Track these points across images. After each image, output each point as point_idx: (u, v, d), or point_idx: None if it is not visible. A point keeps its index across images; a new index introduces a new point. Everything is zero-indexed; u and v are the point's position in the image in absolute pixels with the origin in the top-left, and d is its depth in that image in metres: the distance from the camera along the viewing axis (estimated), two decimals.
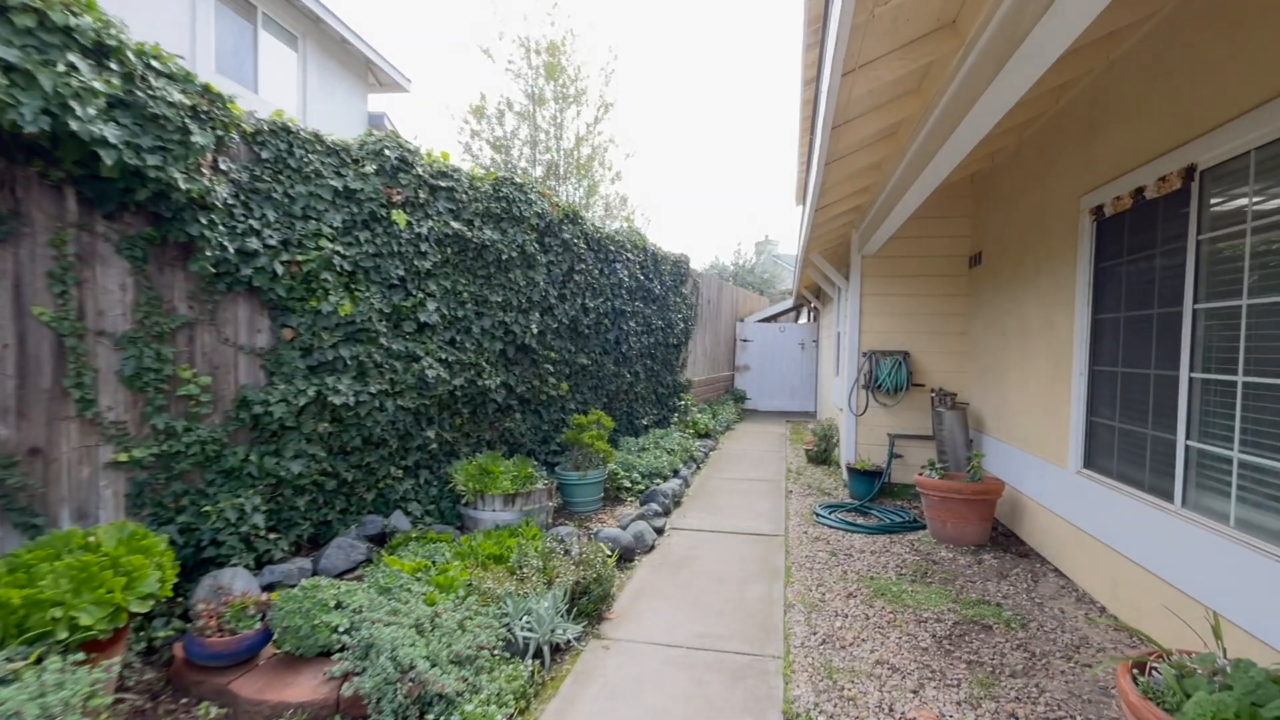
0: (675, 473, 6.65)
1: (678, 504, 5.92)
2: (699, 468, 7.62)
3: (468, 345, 4.90)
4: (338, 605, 2.79)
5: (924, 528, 5.21)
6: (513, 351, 5.45)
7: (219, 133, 3.13)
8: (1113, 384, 3.64)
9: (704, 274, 11.68)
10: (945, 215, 6.30)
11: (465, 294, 4.88)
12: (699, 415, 9.17)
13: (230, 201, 3.29)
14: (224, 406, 3.39)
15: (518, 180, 5.53)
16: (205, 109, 3.03)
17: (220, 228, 3.19)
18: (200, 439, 3.20)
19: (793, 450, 9.04)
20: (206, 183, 3.03)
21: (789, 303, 15.07)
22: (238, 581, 3.02)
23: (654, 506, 5.30)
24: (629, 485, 6.01)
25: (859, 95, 3.29)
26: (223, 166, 3.24)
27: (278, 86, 9.84)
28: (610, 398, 7.49)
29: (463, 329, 4.89)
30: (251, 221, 3.39)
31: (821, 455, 7.84)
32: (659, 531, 5.02)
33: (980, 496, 4.65)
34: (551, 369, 6.00)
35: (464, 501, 4.53)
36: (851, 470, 6.25)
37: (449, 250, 4.71)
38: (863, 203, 5.87)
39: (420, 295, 4.45)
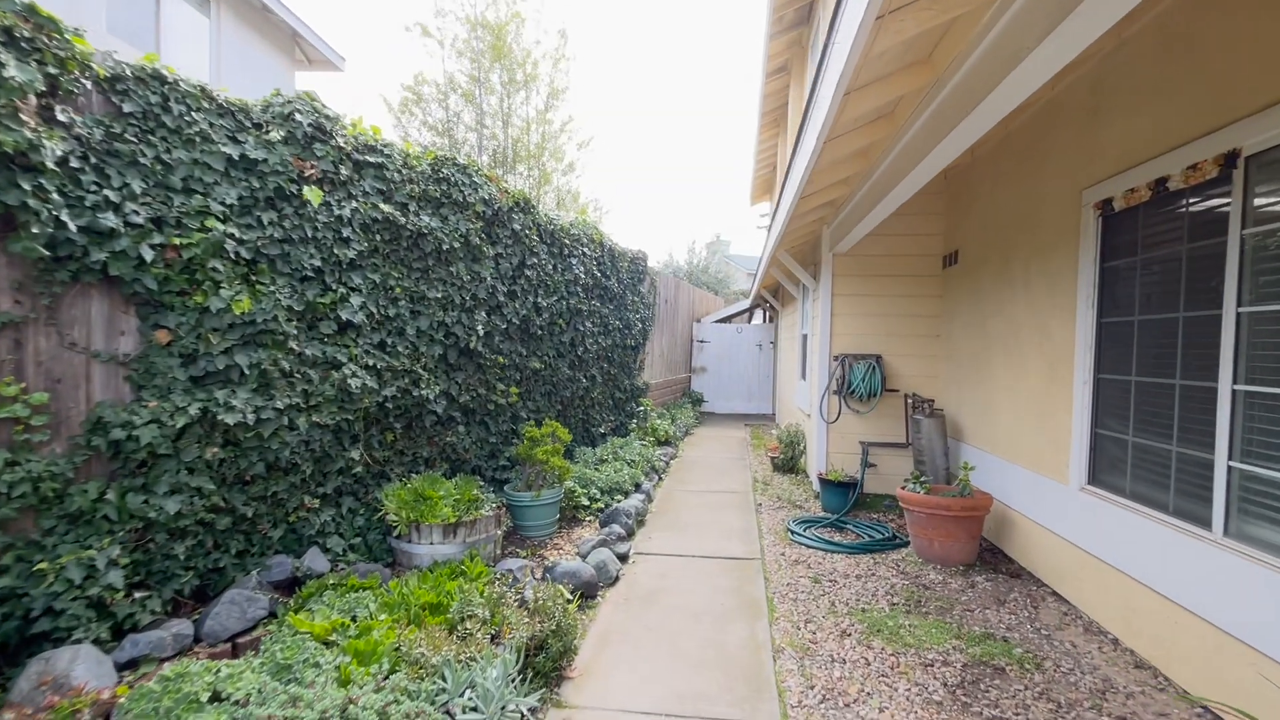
0: (637, 486, 6.12)
1: (641, 523, 5.39)
2: (661, 479, 7.12)
3: (401, 349, 4.21)
4: (214, 698, 2.11)
5: (906, 545, 4.87)
6: (455, 356, 4.78)
7: (52, 70, 2.37)
8: (1124, 394, 3.33)
9: (661, 273, 11.20)
10: (917, 212, 6.01)
11: (398, 289, 4.19)
12: (658, 421, 8.68)
13: (75, 165, 2.52)
14: (69, 431, 2.62)
15: (461, 161, 4.86)
16: (28, 36, 2.27)
17: (56, 197, 2.43)
18: (32, 475, 2.43)
19: (756, 457, 8.66)
20: (29, 135, 2.27)
21: (746, 303, 14.80)
22: (79, 666, 2.28)
23: (616, 529, 4.75)
24: (587, 503, 5.43)
25: (882, 50, 2.82)
26: (61, 117, 2.47)
27: (186, 55, 8.70)
28: (565, 405, 6.89)
29: (395, 330, 4.19)
30: (107, 192, 2.63)
31: (788, 463, 7.48)
32: (623, 558, 4.47)
33: (970, 513, 4.33)
34: (500, 375, 5.35)
35: (396, 533, 3.85)
36: (824, 482, 5.88)
37: (378, 238, 4.02)
38: (838, 196, 5.50)
39: (342, 290, 3.74)
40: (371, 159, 3.98)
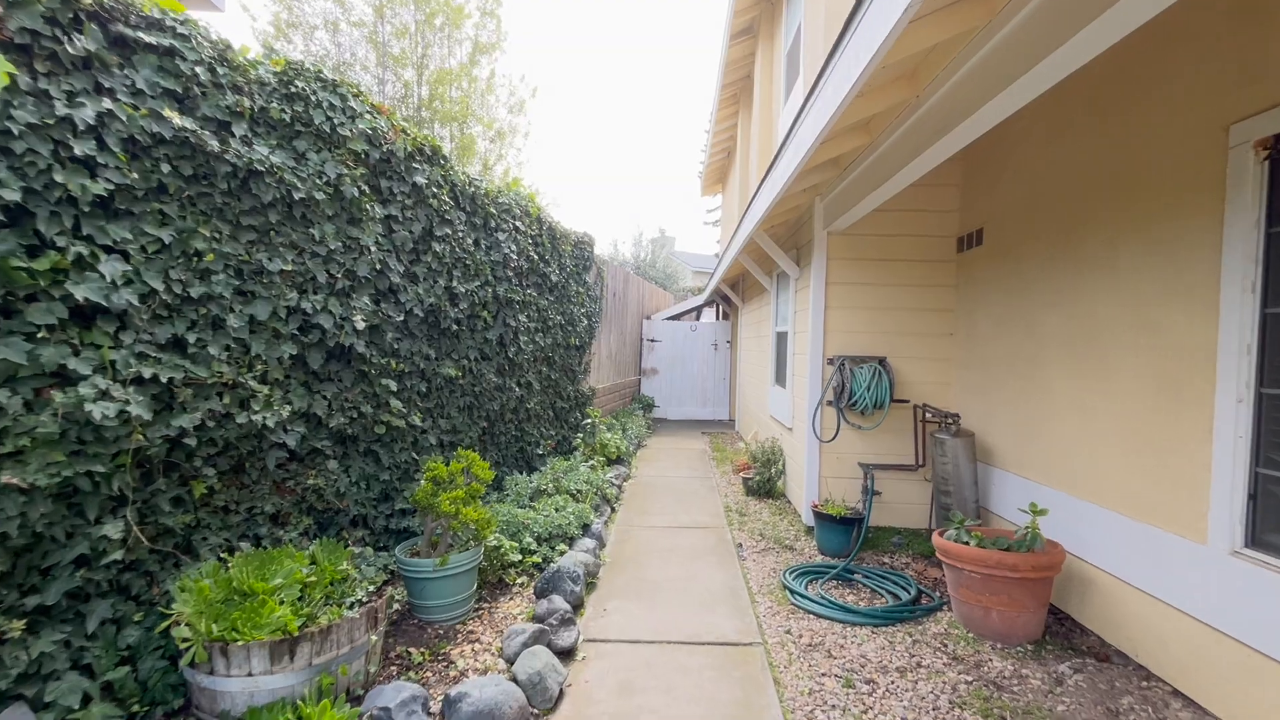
0: (585, 528, 4.72)
1: (592, 585, 4.00)
2: (614, 510, 5.75)
3: (216, 350, 2.65)
4: None
5: (940, 607, 3.71)
6: (320, 359, 3.24)
7: None
8: None
9: (609, 262, 9.83)
10: (925, 184, 4.90)
11: (212, 255, 2.64)
12: (608, 435, 7.30)
13: None
14: None
15: (328, 75, 3.32)
16: None
17: None
18: None
19: (722, 474, 7.43)
20: None
21: (700, 299, 13.65)
22: None
23: (557, 604, 3.35)
24: (519, 559, 3.99)
25: None
26: None
27: None
28: (492, 421, 5.40)
29: (204, 320, 2.64)
30: None
31: (764, 485, 6.27)
32: (567, 655, 3.09)
33: (1042, 574, 3.20)
34: (396, 385, 3.83)
35: (191, 660, 2.30)
36: (820, 517, 4.68)
37: (165, 168, 2.45)
38: (845, 152, 4.30)
39: (80, 249, 2.16)
40: (152, 38, 2.41)
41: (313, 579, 2.70)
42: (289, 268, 3.01)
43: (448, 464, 3.78)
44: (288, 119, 3.03)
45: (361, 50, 9.86)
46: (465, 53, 10.60)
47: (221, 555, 2.74)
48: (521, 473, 5.88)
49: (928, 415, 4.91)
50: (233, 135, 2.75)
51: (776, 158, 4.33)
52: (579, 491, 5.25)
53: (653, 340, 12.61)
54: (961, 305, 4.95)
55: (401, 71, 10.05)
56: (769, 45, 8.25)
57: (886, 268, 5.11)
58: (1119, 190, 3.20)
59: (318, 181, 3.17)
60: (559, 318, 6.87)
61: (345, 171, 3.34)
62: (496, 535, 3.85)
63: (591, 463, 6.54)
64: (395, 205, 3.82)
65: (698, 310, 15.63)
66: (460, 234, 4.58)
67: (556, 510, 4.62)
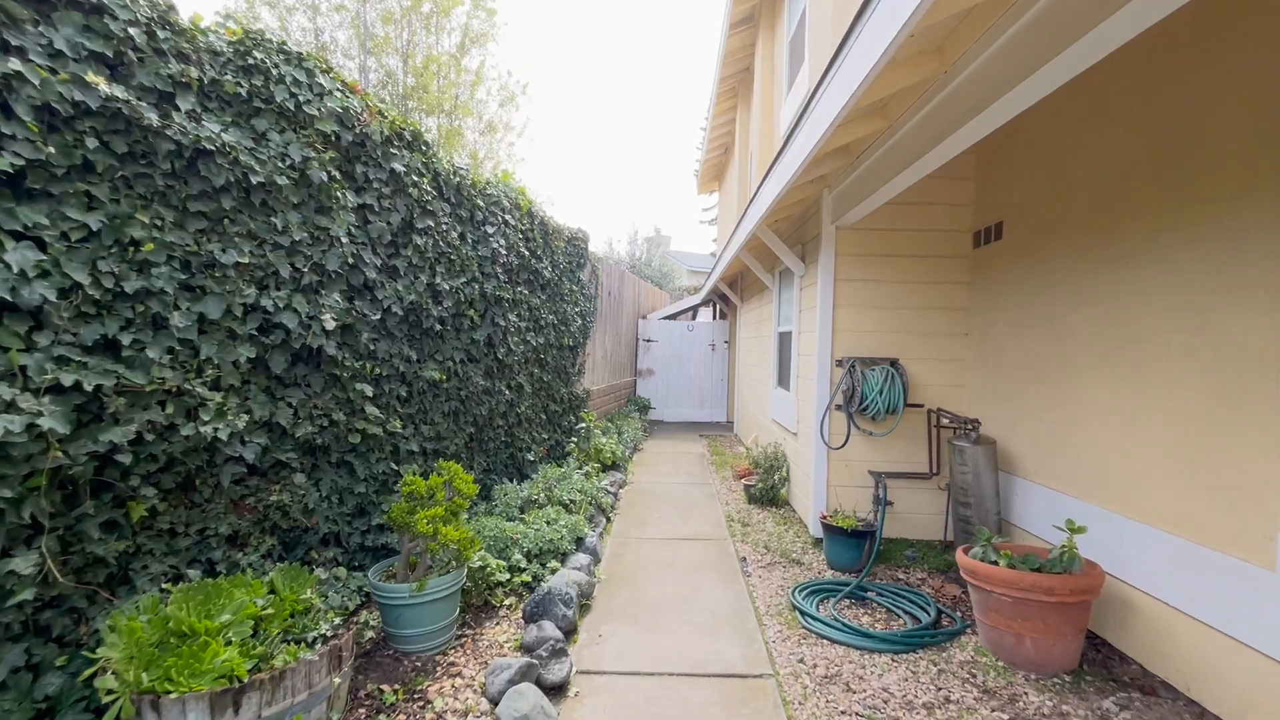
0: (579, 542, 4.40)
1: (586, 606, 3.69)
2: (610, 520, 5.43)
3: (155, 351, 2.33)
4: None
5: (964, 630, 3.43)
6: (283, 362, 2.92)
7: None
8: None
9: (604, 259, 9.52)
10: (937, 175, 4.62)
11: (153, 243, 2.31)
12: (603, 440, 6.99)
13: None
14: None
15: (292, 48, 3.00)
16: None
17: None
18: None
19: (721, 480, 7.13)
20: None
21: (696, 299, 13.35)
22: None
23: (548, 631, 3.04)
24: (507, 578, 3.67)
25: None
26: None
27: None
28: (481, 427, 5.08)
29: (144, 318, 2.31)
30: None
31: (767, 493, 5.98)
32: (558, 691, 2.78)
33: (1080, 598, 2.91)
34: (371, 390, 3.50)
35: (116, 716, 1.97)
36: (830, 529, 4.39)
37: (94, 142, 2.13)
38: (859, 138, 4.01)
39: None
40: None
41: (269, 611, 2.37)
42: (246, 260, 2.69)
43: (429, 476, 3.46)
44: (244, 94, 2.70)
45: (344, 36, 9.48)
46: (454, 42, 10.24)
47: (164, 586, 2.41)
48: (512, 480, 5.57)
49: (943, 420, 4.63)
50: (177, 109, 2.42)
51: (785, 145, 4.03)
52: (572, 502, 4.93)
53: (649, 340, 12.31)
54: (977, 304, 4.66)
55: (385, 59, 9.65)
56: (770, 35, 7.96)
57: (898, 264, 4.82)
58: (1167, 175, 2.92)
59: (280, 165, 2.84)
60: (551, 317, 6.55)
61: (313, 155, 3.02)
62: (482, 554, 3.53)
63: (586, 469, 6.23)
64: (371, 193, 3.49)
65: (694, 310, 15.34)
66: (444, 227, 4.26)
67: (548, 524, 4.30)
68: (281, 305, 2.86)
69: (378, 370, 3.63)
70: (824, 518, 4.53)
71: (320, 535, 3.28)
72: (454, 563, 3.16)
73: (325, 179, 3.07)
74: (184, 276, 2.45)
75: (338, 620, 2.64)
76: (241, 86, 2.69)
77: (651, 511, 5.77)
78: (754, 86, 8.95)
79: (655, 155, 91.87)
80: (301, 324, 2.98)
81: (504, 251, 5.14)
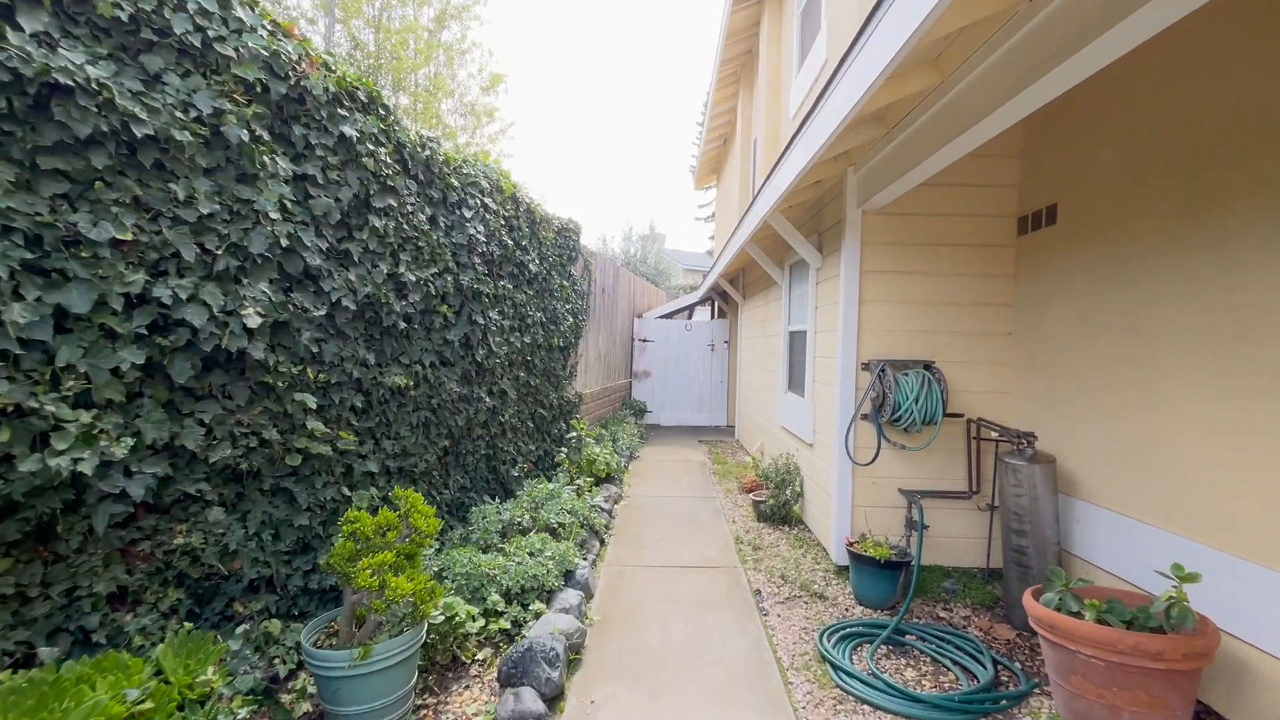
0: (568, 576, 3.79)
1: (576, 662, 3.08)
2: (603, 544, 4.82)
3: None
4: None
5: (1030, 692, 2.84)
6: (189, 368, 2.30)
7: None
8: None
9: (598, 254, 8.91)
10: (976, 153, 4.03)
11: None
12: (596, 449, 6.38)
13: None
14: None
15: None
16: None
17: None
18: None
19: (725, 492, 6.53)
20: None
21: (695, 296, 12.75)
22: None
23: (527, 703, 2.44)
24: (479, 627, 3.05)
25: None
26: None
27: None
28: (456, 438, 4.46)
29: None
30: None
31: (779, 510, 5.38)
32: None
33: (1193, 663, 2.32)
34: (314, 401, 2.88)
35: None
36: (859, 559, 3.79)
37: None
38: (903, 98, 3.42)
39: None
40: None
41: (145, 706, 1.76)
42: (129, 236, 2.06)
43: (392, 501, 2.84)
44: (126, 19, 2.07)
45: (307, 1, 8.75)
46: (432, 15, 9.51)
47: None
48: (494, 498, 4.95)
49: (990, 433, 4.06)
50: (17, 27, 1.79)
51: (810, 115, 3.44)
52: (561, 525, 4.32)
53: (645, 340, 11.70)
54: (1023, 299, 4.09)
55: (358, 32, 8.91)
56: (777, 9, 7.37)
57: (932, 254, 4.23)
58: None
59: (180, 116, 2.22)
60: (539, 314, 5.94)
61: (230, 108, 2.40)
62: (448, 601, 2.91)
63: (577, 484, 5.62)
64: (313, 162, 2.87)
65: (690, 309, 14.75)
66: (410, 208, 3.64)
67: (531, 555, 3.69)
68: (184, 296, 2.23)
69: (325, 377, 3.01)
70: (850, 544, 3.93)
71: (246, 582, 2.65)
72: (410, 621, 2.54)
73: (247, 139, 2.45)
74: (30, 254, 1.83)
75: (244, 714, 2.02)
76: (122, 9, 2.06)
77: (651, 531, 5.16)
78: (758, 68, 8.36)
79: (651, 154, 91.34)
80: (215, 321, 2.35)
81: (483, 239, 4.52)
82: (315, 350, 2.93)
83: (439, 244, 3.97)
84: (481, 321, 4.55)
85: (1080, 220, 3.56)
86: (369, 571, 2.26)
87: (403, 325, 3.62)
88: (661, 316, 12.66)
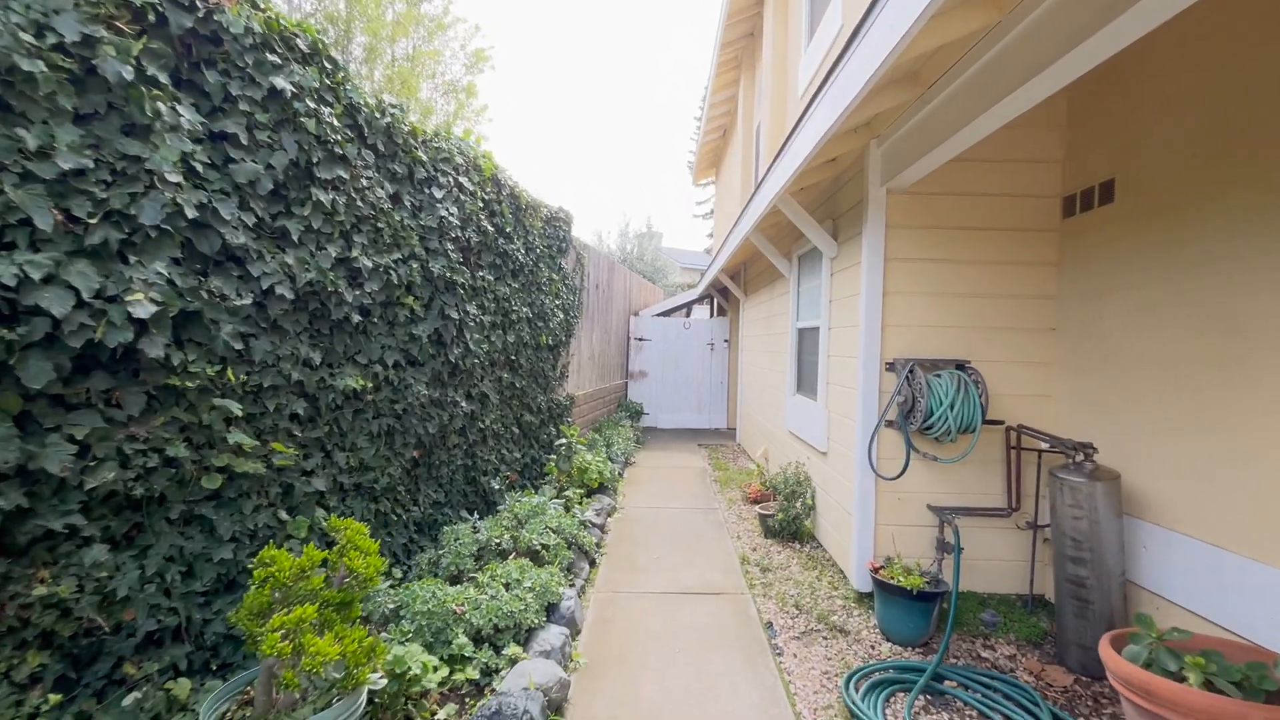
0: (550, 611, 3.27)
1: (559, 714, 2.56)
2: (593, 565, 4.31)
3: None
4: None
5: None
6: (48, 369, 1.79)
7: None
8: None
9: (591, 248, 8.39)
10: (1013, 124, 3.53)
11: None
12: (588, 456, 5.86)
13: None
14: None
15: None
16: None
17: None
18: None
19: (728, 503, 6.03)
20: None
21: (695, 293, 12.24)
22: None
23: None
24: (438, 683, 2.54)
25: None
26: None
27: None
28: (428, 448, 3.95)
29: None
30: None
31: (788, 526, 4.87)
32: None
33: None
34: (239, 408, 2.37)
35: None
36: (886, 588, 3.29)
37: None
38: (944, 44, 2.92)
39: None
40: None
41: None
42: None
43: (327, 531, 2.33)
44: None
45: None
46: None
47: None
48: (473, 513, 4.43)
49: (1037, 443, 3.56)
50: None
51: (831, 76, 2.94)
52: (544, 548, 3.80)
53: (641, 339, 11.19)
54: (1070, 290, 3.59)
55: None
56: None
57: (965, 239, 3.74)
58: None
59: (29, 41, 1.70)
60: (525, 310, 5.42)
61: (107, 37, 1.88)
62: (398, 653, 2.39)
63: (566, 495, 5.11)
64: (235, 118, 2.35)
65: (689, 306, 14.26)
66: (366, 182, 3.13)
67: (508, 587, 3.18)
68: (38, 276, 1.72)
69: (255, 379, 2.50)
70: (875, 570, 3.43)
71: (139, 638, 2.13)
72: (346, 685, 2.02)
73: (131, 76, 1.93)
74: None
75: None
76: None
77: (647, 550, 4.65)
78: (761, 50, 7.87)
79: (647, 151, 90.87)
80: (87, 309, 1.84)
81: (457, 223, 4.00)
82: (241, 348, 2.42)
83: (403, 226, 3.45)
84: (456, 316, 4.03)
85: (1145, 197, 3.07)
86: (277, 638, 1.74)
87: (357, 319, 3.10)
88: (659, 314, 12.16)
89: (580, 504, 5.14)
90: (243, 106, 2.38)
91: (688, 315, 14.87)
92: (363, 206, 3.10)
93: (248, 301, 2.42)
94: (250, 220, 2.43)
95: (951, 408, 3.39)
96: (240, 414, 2.42)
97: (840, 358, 4.26)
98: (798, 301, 5.73)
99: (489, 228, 4.54)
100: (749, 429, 8.71)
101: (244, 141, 2.38)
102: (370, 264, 3.14)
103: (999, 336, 3.73)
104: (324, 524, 2.67)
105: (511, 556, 3.71)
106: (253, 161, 2.43)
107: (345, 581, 2.07)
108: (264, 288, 2.51)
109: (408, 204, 3.53)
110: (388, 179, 3.36)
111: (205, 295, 2.25)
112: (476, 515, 4.37)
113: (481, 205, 4.42)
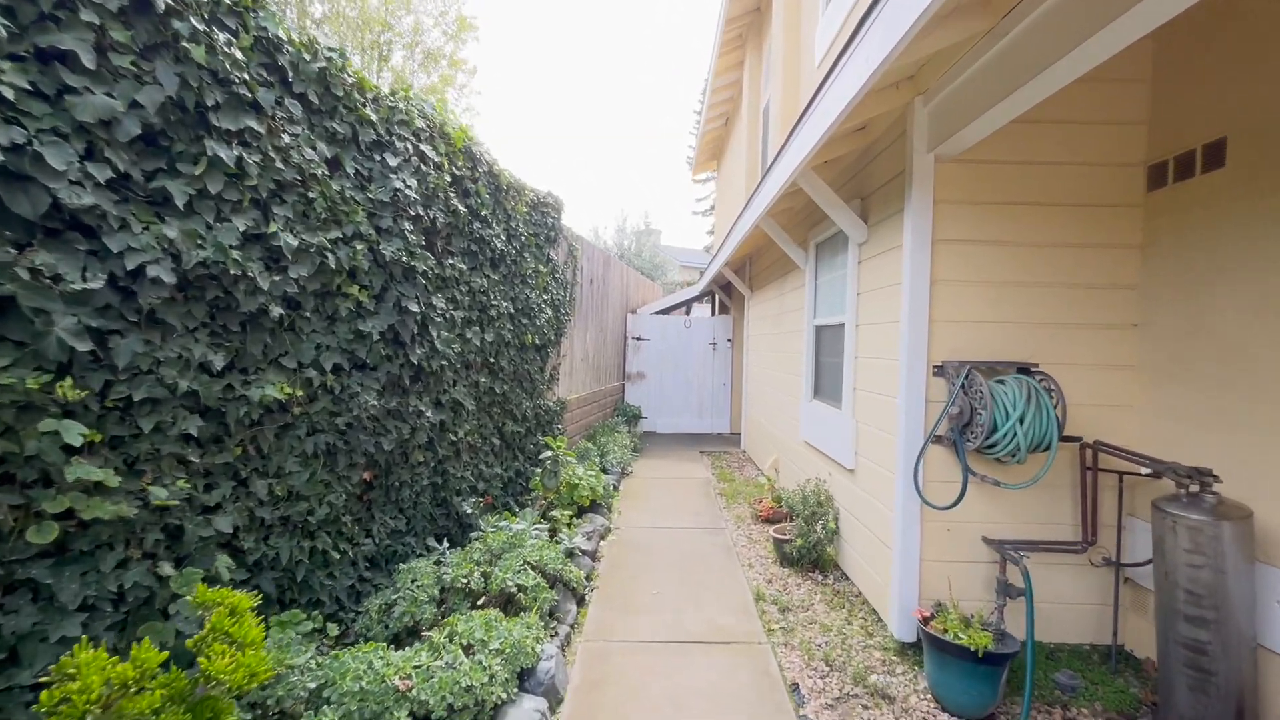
0: (524, 678, 2.63)
1: None
2: (582, 605, 3.67)
3: None
4: None
5: None
6: None
7: None
8: None
9: (584, 239, 7.74)
10: (1085, 79, 2.88)
11: None
12: (579, 470, 5.21)
13: None
14: None
15: None
16: None
17: None
18: None
19: (735, 520, 5.38)
20: None
21: (696, 289, 11.59)
22: None
23: None
24: None
25: None
26: None
27: None
28: (384, 467, 3.30)
29: None
30: None
31: (808, 553, 4.23)
32: None
33: None
34: (85, 432, 1.73)
35: None
36: (940, 646, 2.65)
37: None
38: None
39: None
40: None
41: None
42: None
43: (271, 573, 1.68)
44: None
45: None
46: None
47: None
48: (442, 541, 3.78)
49: (1137, 468, 2.93)
50: None
51: (870, 15, 2.30)
52: (522, 589, 3.15)
53: (639, 339, 10.54)
54: (1159, 277, 2.96)
55: None
56: None
57: (1029, 218, 3.10)
58: None
59: None
60: (507, 305, 4.77)
61: None
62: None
63: (552, 516, 4.47)
64: (73, 33, 1.71)
65: (689, 304, 13.61)
66: (290, 139, 2.48)
67: (469, 650, 2.53)
68: None
69: (120, 391, 1.85)
70: (924, 620, 2.80)
71: None
72: None
73: None
74: None
75: None
76: None
77: (645, 584, 4.01)
78: (770, 21, 7.22)
79: (645, 148, 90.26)
80: None
81: (417, 198, 3.35)
82: (92, 349, 1.77)
83: (345, 198, 2.81)
84: (417, 309, 3.38)
85: (1272, 158, 2.43)
86: None
87: (279, 312, 2.46)
88: (658, 312, 11.51)
89: (569, 526, 4.50)
90: (85, 17, 1.73)
91: (688, 313, 14.23)
92: (285, 170, 2.44)
93: (99, 285, 1.78)
94: (104, 175, 1.78)
95: (1021, 421, 2.74)
96: (95, 438, 1.78)
97: (872, 359, 3.62)
98: (814, 296, 5.08)
99: (460, 208, 3.88)
100: (755, 436, 8.07)
101: (88, 65, 1.73)
102: (296, 243, 2.49)
103: (1068, 335, 3.10)
104: (262, 561, 2.01)
105: (482, 600, 3.07)
106: (107, 95, 1.78)
107: (203, 699, 1.43)
108: (129, 268, 1.86)
109: (351, 172, 2.87)
110: (324, 139, 2.71)
111: (24, 275, 1.60)
112: (447, 544, 3.72)
113: (450, 181, 3.77)
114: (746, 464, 8.00)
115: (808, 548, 4.17)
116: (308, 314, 2.66)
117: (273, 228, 2.38)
